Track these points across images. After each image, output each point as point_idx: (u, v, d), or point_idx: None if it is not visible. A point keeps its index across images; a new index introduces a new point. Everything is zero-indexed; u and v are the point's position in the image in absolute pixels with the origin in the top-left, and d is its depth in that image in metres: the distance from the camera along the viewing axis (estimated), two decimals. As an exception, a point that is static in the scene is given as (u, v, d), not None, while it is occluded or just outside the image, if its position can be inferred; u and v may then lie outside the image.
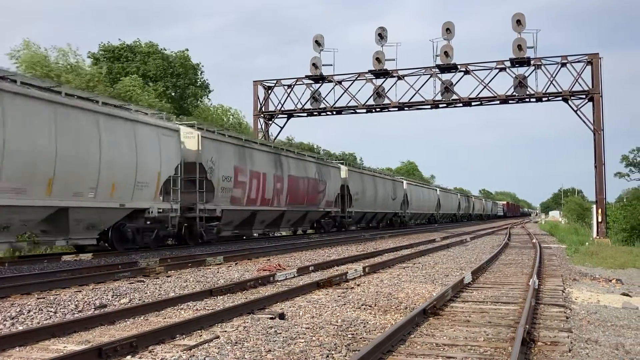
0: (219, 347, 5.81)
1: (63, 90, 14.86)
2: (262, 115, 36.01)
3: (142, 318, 7.40)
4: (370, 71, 33.29)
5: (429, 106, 33.71)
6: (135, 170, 16.57)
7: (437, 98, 33.03)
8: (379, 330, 6.79)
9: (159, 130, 17.94)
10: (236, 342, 6.00)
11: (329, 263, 14.29)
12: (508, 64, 31.57)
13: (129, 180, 16.38)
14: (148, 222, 17.68)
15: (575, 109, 31.13)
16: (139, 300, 8.80)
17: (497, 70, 31.95)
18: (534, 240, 25.89)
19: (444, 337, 6.40)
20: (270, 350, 5.72)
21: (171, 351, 5.68)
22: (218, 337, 6.25)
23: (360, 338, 6.38)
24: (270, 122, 36.40)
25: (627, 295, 10.50)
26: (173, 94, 47.42)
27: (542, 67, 31.52)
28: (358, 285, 10.72)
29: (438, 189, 63.53)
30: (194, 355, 5.50)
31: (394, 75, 33.40)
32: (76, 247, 17.02)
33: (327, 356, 5.58)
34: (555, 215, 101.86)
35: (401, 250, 19.80)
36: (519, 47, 30.51)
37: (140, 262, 13.28)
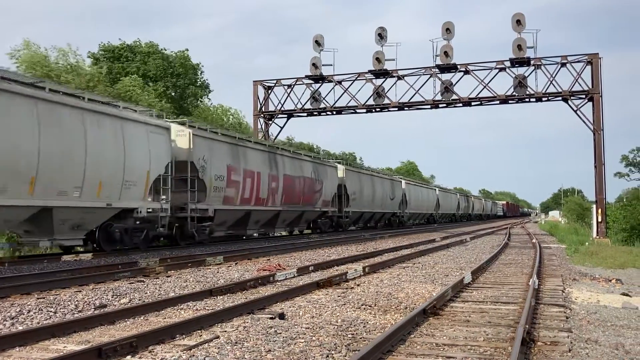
0: (218, 347, 5.81)
1: (47, 85, 14.49)
2: (262, 115, 36.01)
3: (142, 318, 7.40)
4: (370, 71, 33.28)
5: (429, 106, 33.70)
6: (123, 169, 16.17)
7: (437, 98, 33.02)
8: (379, 330, 6.79)
9: (148, 127, 17.50)
10: (236, 342, 6.01)
11: (329, 263, 14.29)
12: (508, 64, 31.56)
13: (116, 179, 15.99)
14: (137, 222, 17.27)
15: (575, 109, 31.14)
16: (139, 300, 8.80)
17: (497, 70, 31.95)
18: (533, 240, 25.90)
19: (444, 337, 6.40)
20: (270, 350, 5.72)
21: (171, 351, 5.68)
22: (218, 337, 6.25)
23: (360, 338, 6.38)
24: (270, 122, 36.39)
25: (627, 295, 10.50)
26: (173, 94, 47.43)
27: (542, 67, 31.52)
28: (358, 285, 10.72)
29: (437, 189, 63.38)
30: (194, 355, 5.50)
31: (394, 75, 33.39)
32: (62, 248, 16.68)
33: (327, 356, 5.58)
34: (555, 215, 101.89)
35: (401, 250, 19.80)
36: (519, 47, 30.51)
37: (140, 262, 13.29)
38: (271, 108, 35.92)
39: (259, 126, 35.98)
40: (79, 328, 6.61)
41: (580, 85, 31.12)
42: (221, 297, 9.08)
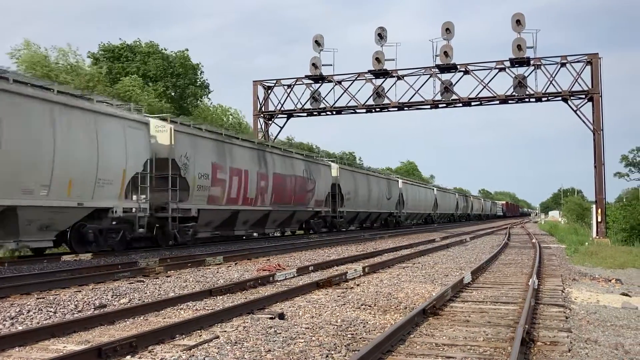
0: (218, 347, 5.81)
1: (10, 77, 13.61)
2: (262, 115, 36.02)
3: (141, 318, 7.40)
4: (370, 71, 33.29)
5: (429, 106, 33.71)
6: (96, 166, 15.28)
7: (436, 98, 33.03)
8: (379, 330, 6.80)
9: (125, 122, 16.55)
10: (236, 342, 6.01)
11: (329, 263, 14.29)
12: (508, 64, 31.58)
13: (88, 177, 15.10)
14: (114, 223, 16.42)
15: (575, 109, 31.15)
16: (139, 300, 8.80)
17: (497, 70, 31.96)
18: (533, 240, 25.90)
19: (444, 337, 6.40)
20: (269, 350, 5.72)
21: (171, 351, 5.68)
22: (218, 337, 6.25)
23: (360, 338, 6.38)
24: (270, 122, 36.39)
25: (627, 295, 10.50)
26: (173, 94, 47.48)
27: (542, 67, 31.53)
28: (358, 285, 10.72)
29: (435, 189, 63.13)
30: (193, 355, 5.50)
31: (394, 75, 33.40)
32: (32, 251, 15.93)
33: (327, 356, 5.58)
34: (554, 215, 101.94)
35: (401, 250, 19.81)
36: (519, 47, 30.52)
37: (140, 262, 13.29)
38: (271, 108, 35.93)
39: (259, 126, 35.99)
40: (78, 328, 6.61)
41: (580, 85, 31.16)
42: (221, 297, 9.08)
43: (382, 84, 33.72)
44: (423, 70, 32.98)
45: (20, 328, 6.68)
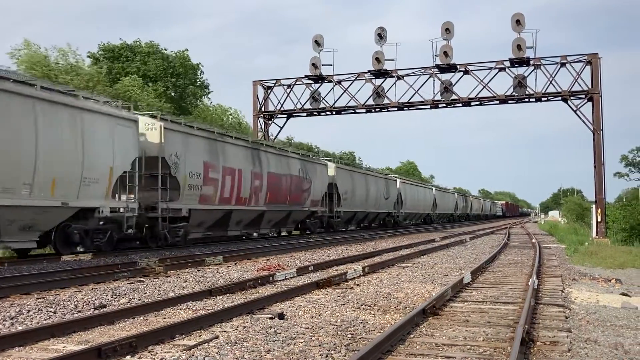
0: (218, 347, 5.81)
1: None
2: (261, 115, 36.02)
3: (141, 318, 7.40)
4: (369, 71, 33.30)
5: (429, 106, 33.72)
6: (81, 165, 14.86)
7: (436, 98, 33.05)
8: (379, 330, 6.80)
9: (112, 120, 16.11)
10: (236, 342, 6.01)
11: (329, 263, 14.29)
12: (507, 64, 31.59)
13: (73, 176, 14.65)
14: (101, 223, 16.01)
15: (575, 109, 31.17)
16: (139, 300, 8.80)
17: (497, 70, 31.98)
18: (533, 240, 25.91)
19: (444, 337, 6.40)
20: (269, 350, 5.73)
21: (171, 351, 5.68)
22: (217, 337, 6.25)
23: (360, 338, 6.38)
24: (270, 122, 36.40)
25: (627, 295, 10.50)
26: (173, 94, 47.48)
27: (542, 67, 31.54)
28: (357, 285, 10.72)
29: (434, 188, 62.99)
30: (193, 355, 5.50)
31: (394, 75, 33.41)
32: (16, 252, 15.52)
33: (327, 356, 5.58)
34: (554, 215, 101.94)
35: (400, 250, 19.81)
36: (519, 47, 30.53)
37: (139, 262, 13.29)
38: (271, 108, 35.94)
39: (259, 126, 36.00)
40: (78, 328, 6.60)
41: (579, 85, 31.18)
42: (221, 297, 9.09)
43: (381, 84, 33.74)
44: (423, 70, 32.99)
45: (20, 328, 6.68)
